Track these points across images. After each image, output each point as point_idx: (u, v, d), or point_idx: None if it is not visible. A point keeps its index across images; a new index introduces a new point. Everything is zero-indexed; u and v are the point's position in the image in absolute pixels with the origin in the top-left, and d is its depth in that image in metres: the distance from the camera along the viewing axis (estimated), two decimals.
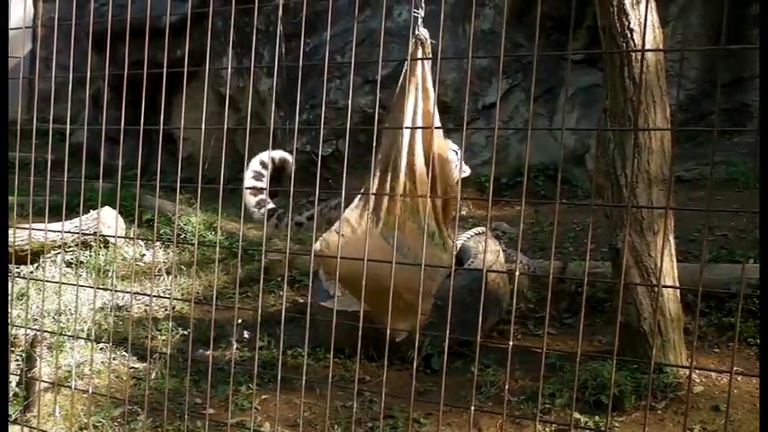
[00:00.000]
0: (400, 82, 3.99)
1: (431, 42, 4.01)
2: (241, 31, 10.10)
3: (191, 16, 3.20)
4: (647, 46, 3.97)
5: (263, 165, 5.35)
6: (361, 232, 3.88)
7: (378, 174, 4.02)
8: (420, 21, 4.08)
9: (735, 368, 3.51)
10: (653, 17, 4.06)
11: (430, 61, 3.96)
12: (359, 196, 4.03)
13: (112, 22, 3.08)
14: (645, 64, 4.01)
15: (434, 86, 3.62)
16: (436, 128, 4.11)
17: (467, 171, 4.49)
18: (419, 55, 3.98)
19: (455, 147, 4.59)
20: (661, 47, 4.26)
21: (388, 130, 4.15)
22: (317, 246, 3.96)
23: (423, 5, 3.97)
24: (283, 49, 9.81)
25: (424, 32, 4.06)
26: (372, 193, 3.98)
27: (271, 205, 5.48)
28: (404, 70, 3.98)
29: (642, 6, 3.91)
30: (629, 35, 3.98)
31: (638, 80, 3.95)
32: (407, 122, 3.95)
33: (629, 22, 3.96)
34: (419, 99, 3.98)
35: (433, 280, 4.06)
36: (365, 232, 3.78)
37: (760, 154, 2.08)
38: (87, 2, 3.08)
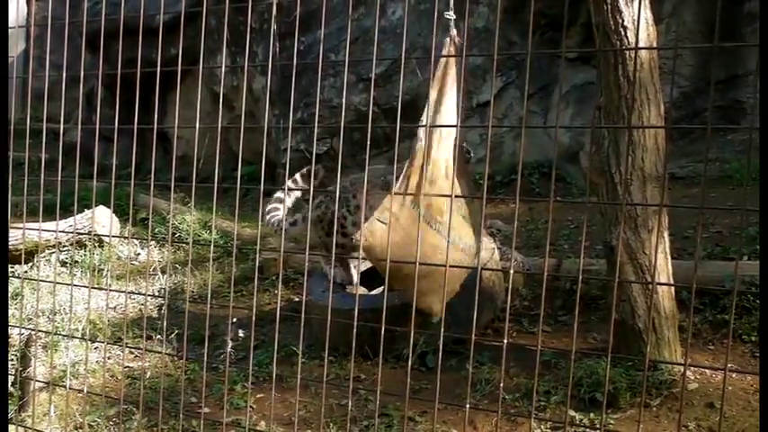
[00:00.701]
0: (439, 77, 4.26)
1: (458, 42, 4.18)
2: (235, 30, 10.09)
3: (184, 15, 3.20)
4: (641, 43, 3.98)
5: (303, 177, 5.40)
6: (404, 219, 4.03)
7: (414, 165, 4.26)
8: (452, 22, 4.17)
9: (729, 365, 3.52)
10: (647, 14, 4.07)
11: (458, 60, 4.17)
12: (397, 186, 4.31)
13: (106, 20, 3.07)
14: (639, 61, 4.01)
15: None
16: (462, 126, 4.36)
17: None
18: (451, 50, 4.16)
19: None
20: (655, 44, 4.26)
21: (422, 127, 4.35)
22: (360, 238, 4.28)
23: (452, 6, 4.07)
24: (277, 48, 9.80)
25: (454, 33, 4.19)
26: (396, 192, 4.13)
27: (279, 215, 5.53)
28: (442, 67, 4.18)
29: (636, 4, 3.92)
30: (622, 33, 3.98)
31: (632, 78, 3.95)
32: (452, 118, 4.22)
33: (623, 20, 3.96)
34: (459, 96, 4.24)
35: (469, 256, 4.46)
36: (408, 219, 3.96)
37: (761, 153, 2.08)
38: (81, 1, 3.08)
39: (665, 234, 4.25)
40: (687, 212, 6.12)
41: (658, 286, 4.09)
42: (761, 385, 1.98)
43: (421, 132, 4.30)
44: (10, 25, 3.77)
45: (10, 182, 3.53)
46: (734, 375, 4.15)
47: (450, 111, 4.29)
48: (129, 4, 3.18)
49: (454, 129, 4.32)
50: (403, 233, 4.09)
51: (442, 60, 4.25)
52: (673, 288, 4.33)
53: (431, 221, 4.25)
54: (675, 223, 5.40)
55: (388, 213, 4.14)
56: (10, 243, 6.18)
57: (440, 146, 4.34)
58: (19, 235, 6.12)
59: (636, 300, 4.20)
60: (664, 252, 4.21)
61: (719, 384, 4.08)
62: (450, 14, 4.21)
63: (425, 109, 4.19)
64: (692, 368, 4.22)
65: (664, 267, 4.20)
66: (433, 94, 4.26)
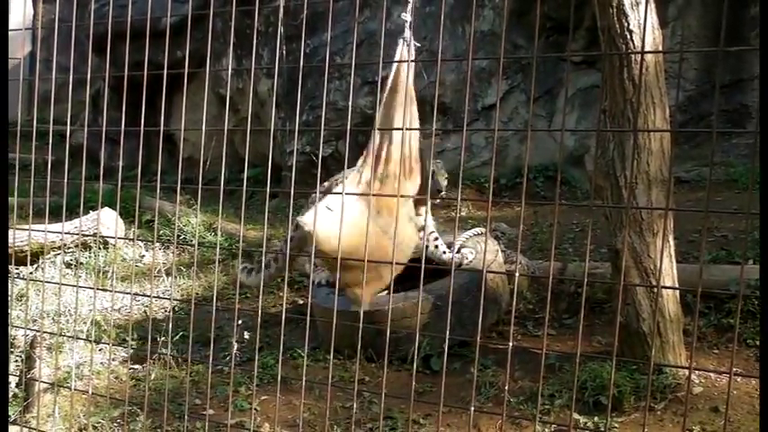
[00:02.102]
0: (390, 84, 4.60)
1: (416, 46, 4.38)
2: (241, 33, 10.10)
3: (191, 17, 3.20)
4: (647, 47, 3.98)
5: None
6: (352, 210, 4.27)
7: (370, 164, 4.57)
8: (407, 25, 4.35)
9: (734, 369, 3.51)
10: (652, 18, 4.06)
11: (414, 64, 4.41)
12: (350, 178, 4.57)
13: (113, 23, 3.08)
14: (644, 65, 4.01)
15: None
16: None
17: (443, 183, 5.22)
18: (406, 58, 4.37)
19: (440, 166, 5.02)
20: (660, 48, 4.26)
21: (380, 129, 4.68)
22: (302, 218, 4.57)
23: (410, 10, 4.25)
24: (283, 51, 9.81)
25: (409, 36, 4.37)
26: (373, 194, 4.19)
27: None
28: (393, 72, 4.42)
29: (642, 8, 3.92)
30: (628, 36, 3.98)
31: (638, 81, 3.95)
32: (399, 121, 4.46)
33: (629, 24, 3.97)
34: (408, 100, 4.50)
35: (403, 252, 4.68)
36: (355, 210, 4.27)
37: (760, 155, 2.09)
38: (87, 3, 3.09)
39: (670, 238, 4.24)
40: (692, 216, 6.11)
41: (663, 290, 4.09)
42: (761, 385, 1.98)
43: (376, 134, 4.64)
44: (17, 27, 3.78)
45: (16, 184, 3.54)
46: (739, 379, 4.14)
47: (399, 116, 4.54)
48: (136, 6, 3.19)
49: (407, 133, 4.55)
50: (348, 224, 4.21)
51: (396, 66, 4.59)
52: (678, 292, 4.32)
53: (377, 218, 4.45)
54: (680, 227, 5.39)
55: (335, 202, 4.34)
56: (16, 244, 6.20)
57: (391, 148, 4.58)
58: (25, 236, 6.14)
59: (641, 303, 4.20)
60: (669, 256, 4.21)
61: (724, 388, 4.07)
62: (406, 16, 4.39)
63: (377, 111, 4.61)
64: (696, 372, 4.22)
65: (669, 271, 4.20)
66: (386, 97, 4.58)
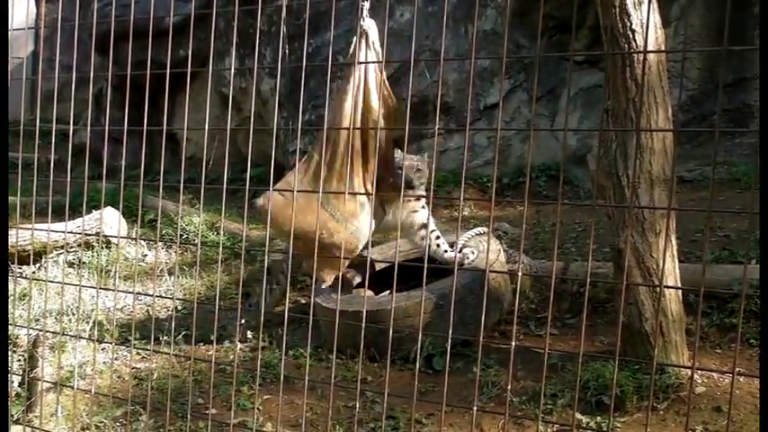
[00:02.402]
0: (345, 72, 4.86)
1: (375, 32, 4.44)
2: (244, 32, 10.11)
3: (194, 17, 3.21)
4: (649, 47, 3.97)
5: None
6: (301, 196, 4.58)
7: (318, 151, 4.80)
8: (365, 11, 4.36)
9: (737, 369, 3.51)
10: (655, 18, 4.06)
11: (373, 53, 4.44)
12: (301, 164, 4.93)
13: (115, 22, 3.09)
14: (647, 65, 4.01)
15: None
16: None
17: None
18: (363, 46, 4.39)
19: (416, 160, 5.03)
20: (663, 47, 4.26)
21: (332, 112, 4.97)
22: (259, 201, 4.96)
23: None
24: (286, 50, 9.81)
25: (369, 23, 4.39)
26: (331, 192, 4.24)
27: None
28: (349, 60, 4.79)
29: (644, 7, 3.91)
30: (630, 36, 3.98)
31: (641, 81, 3.95)
32: (348, 109, 4.67)
33: (632, 23, 3.96)
34: (359, 96, 4.69)
35: (357, 238, 4.91)
36: (304, 196, 4.59)
37: (760, 154, 2.08)
38: (90, 2, 3.09)
39: (673, 237, 4.24)
40: (695, 216, 6.11)
41: (666, 290, 4.09)
42: (761, 385, 1.98)
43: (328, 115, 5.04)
44: (19, 26, 3.79)
45: (19, 183, 3.55)
46: (741, 379, 4.14)
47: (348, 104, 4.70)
48: (139, 5, 3.19)
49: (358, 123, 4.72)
50: (298, 206, 4.47)
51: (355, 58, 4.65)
52: (680, 291, 4.32)
53: (324, 203, 4.74)
54: (683, 226, 5.39)
55: (286, 187, 4.74)
56: (19, 244, 6.21)
57: (338, 138, 4.77)
58: (28, 236, 6.15)
59: (643, 303, 4.19)
60: (671, 255, 4.21)
61: (727, 388, 4.07)
62: (365, 2, 4.42)
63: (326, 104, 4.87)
64: (699, 371, 4.21)
65: (671, 271, 4.20)
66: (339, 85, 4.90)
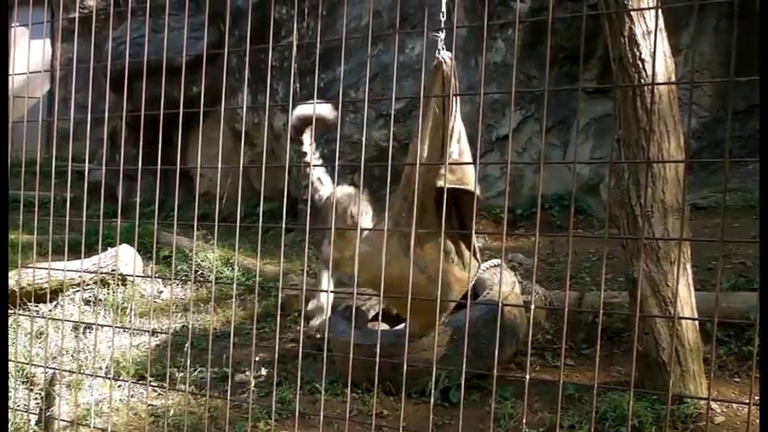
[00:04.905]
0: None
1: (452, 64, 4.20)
2: (256, 68, 10.20)
3: (206, 55, 3.25)
4: (659, 76, 3.99)
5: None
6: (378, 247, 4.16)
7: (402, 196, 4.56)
8: (441, 42, 4.20)
9: (754, 398, 3.48)
10: (664, 47, 4.08)
11: (450, 85, 4.16)
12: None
13: (129, 61, 3.13)
14: (657, 94, 4.02)
15: (451, 118, 3.73)
16: (464, 163, 4.48)
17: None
18: (441, 78, 4.20)
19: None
20: (673, 76, 4.27)
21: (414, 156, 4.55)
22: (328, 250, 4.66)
23: (442, 29, 4.13)
24: (298, 85, 9.89)
25: (444, 54, 4.19)
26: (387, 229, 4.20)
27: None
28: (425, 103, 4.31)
29: (653, 36, 3.94)
30: (640, 65, 4.00)
31: (651, 110, 3.96)
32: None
33: (641, 53, 3.98)
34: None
35: (447, 295, 4.51)
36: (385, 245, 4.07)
37: (760, 153, 2.08)
38: (105, 42, 3.14)
39: (688, 266, 4.22)
40: (710, 243, 6.09)
41: (682, 319, 4.07)
42: (761, 386, 1.96)
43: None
44: (35, 68, 3.85)
45: (35, 222, 3.58)
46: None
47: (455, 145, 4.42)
48: (152, 44, 3.24)
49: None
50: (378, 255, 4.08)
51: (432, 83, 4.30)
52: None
53: (406, 251, 4.29)
54: (698, 254, 5.36)
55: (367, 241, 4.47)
56: (36, 282, 6.25)
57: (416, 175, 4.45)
58: (44, 274, 6.19)
59: (659, 332, 4.17)
60: (686, 284, 4.19)
61: (746, 417, 4.03)
62: (439, 36, 4.23)
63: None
64: (717, 401, 4.18)
65: (687, 299, 4.18)
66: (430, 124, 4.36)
